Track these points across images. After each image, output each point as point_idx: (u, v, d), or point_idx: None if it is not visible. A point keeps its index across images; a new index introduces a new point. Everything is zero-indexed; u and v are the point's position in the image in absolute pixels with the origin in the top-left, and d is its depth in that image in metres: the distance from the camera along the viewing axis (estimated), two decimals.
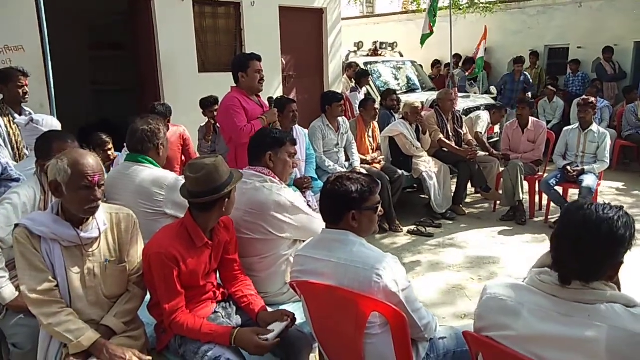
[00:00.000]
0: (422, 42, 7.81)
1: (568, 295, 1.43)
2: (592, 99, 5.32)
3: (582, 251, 1.41)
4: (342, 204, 1.91)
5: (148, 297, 2.14)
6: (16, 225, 1.91)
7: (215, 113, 5.34)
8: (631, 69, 9.39)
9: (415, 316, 1.86)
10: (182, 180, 2.60)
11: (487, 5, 10.85)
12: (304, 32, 8.35)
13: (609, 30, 9.51)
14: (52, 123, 3.65)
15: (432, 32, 7.64)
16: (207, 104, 5.47)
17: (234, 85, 3.76)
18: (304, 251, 2.03)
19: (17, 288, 2.20)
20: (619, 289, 1.53)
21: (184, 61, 6.72)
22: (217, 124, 5.37)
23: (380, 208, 2.00)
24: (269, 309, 2.21)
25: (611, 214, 1.41)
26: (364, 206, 1.92)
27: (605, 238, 1.39)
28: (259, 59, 3.74)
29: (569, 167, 5.07)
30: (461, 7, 10.88)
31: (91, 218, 1.95)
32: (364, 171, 4.94)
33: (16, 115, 3.75)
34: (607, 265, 1.42)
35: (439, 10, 7.57)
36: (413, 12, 12.37)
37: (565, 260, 1.45)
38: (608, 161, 5.16)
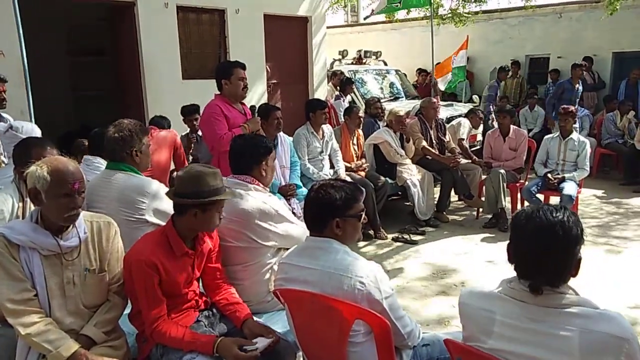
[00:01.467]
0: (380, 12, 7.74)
1: (537, 301, 1.45)
2: (572, 108, 5.42)
3: (543, 259, 1.43)
4: (326, 212, 1.91)
5: (129, 306, 2.11)
6: None
7: (196, 122, 5.32)
8: (610, 78, 9.60)
9: (398, 324, 1.85)
10: (164, 188, 2.58)
11: (468, 15, 10.98)
12: (289, 40, 8.38)
13: (588, 40, 9.72)
14: (31, 130, 3.60)
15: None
16: (188, 112, 5.43)
17: (218, 92, 3.75)
18: (288, 259, 2.02)
19: None
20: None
21: (167, 68, 6.69)
22: (198, 134, 5.35)
23: (363, 216, 2.00)
24: (254, 318, 2.19)
25: (560, 215, 1.44)
26: (347, 214, 1.91)
27: (562, 241, 1.43)
28: (242, 66, 3.73)
29: (549, 175, 5.15)
30: (443, 18, 11.01)
31: (71, 226, 1.92)
32: (348, 179, 4.97)
33: (4, 117, 3.68)
34: (569, 265, 1.45)
35: (420, 20, 7.63)
36: (397, 21, 12.49)
37: (529, 271, 1.47)
38: (588, 169, 5.25)
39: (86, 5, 7.30)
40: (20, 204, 2.36)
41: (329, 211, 1.90)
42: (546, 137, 5.55)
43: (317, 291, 1.83)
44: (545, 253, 1.43)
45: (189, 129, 5.53)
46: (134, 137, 2.61)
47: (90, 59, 8.32)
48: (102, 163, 3.19)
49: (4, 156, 3.61)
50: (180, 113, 5.45)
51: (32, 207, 2.16)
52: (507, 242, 1.56)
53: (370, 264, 1.87)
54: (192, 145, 5.48)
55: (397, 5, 7.48)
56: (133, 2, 6.30)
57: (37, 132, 3.50)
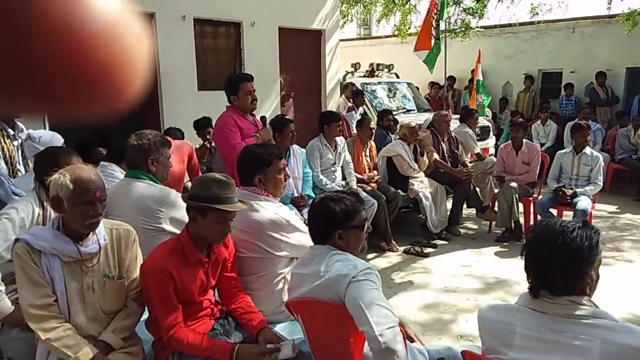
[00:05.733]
0: (431, 65, 7.68)
1: (557, 311, 1.47)
2: (586, 123, 5.40)
3: (543, 264, 1.49)
4: (327, 224, 1.95)
5: (146, 313, 2.14)
6: (17, 240, 1.91)
7: (209, 135, 5.40)
8: (623, 94, 9.55)
9: (367, 312, 1.65)
10: (180, 197, 2.62)
11: (479, 29, 11.03)
12: (303, 53, 8.47)
13: (601, 55, 9.69)
14: (50, 140, 3.63)
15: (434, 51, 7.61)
16: (200, 126, 5.51)
17: (229, 104, 3.83)
18: (295, 268, 2.08)
19: (13, 302, 2.20)
20: None
21: (183, 79, 6.78)
22: (213, 145, 5.42)
23: (368, 225, 2.03)
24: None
25: (568, 226, 1.48)
26: (349, 225, 1.95)
27: (561, 249, 1.46)
28: (249, 79, 3.77)
29: (563, 189, 5.12)
30: (455, 32, 11.05)
31: (91, 233, 1.96)
32: (360, 190, 4.99)
33: (10, 130, 3.70)
34: (572, 277, 1.47)
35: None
36: (409, 35, 12.54)
37: (531, 274, 1.53)
38: (601, 183, 5.21)
39: None
40: (41, 212, 2.41)
41: (331, 223, 1.94)
42: (559, 152, 5.54)
43: (313, 296, 1.86)
44: (543, 257, 1.49)
45: (202, 142, 5.59)
46: (152, 146, 2.68)
47: None
48: (116, 170, 3.26)
49: (19, 163, 3.65)
50: (193, 127, 5.53)
51: (53, 215, 2.22)
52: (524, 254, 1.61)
53: (357, 260, 1.86)
54: (206, 156, 5.55)
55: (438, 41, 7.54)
56: (151, 13, 6.42)
57: (57, 141, 3.53)
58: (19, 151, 3.70)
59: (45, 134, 3.81)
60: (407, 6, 12.57)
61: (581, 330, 1.41)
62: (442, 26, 7.66)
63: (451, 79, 10.54)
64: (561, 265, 1.46)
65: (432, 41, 7.46)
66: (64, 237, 1.91)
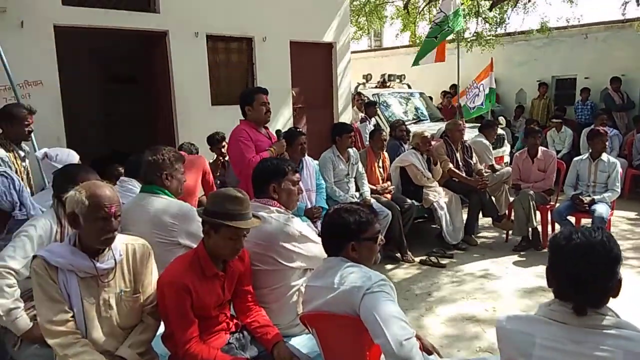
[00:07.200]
0: (416, 61, 7.76)
1: (579, 322, 1.44)
2: (604, 129, 5.35)
3: (586, 280, 1.43)
4: (341, 236, 1.94)
5: (162, 328, 2.15)
6: (34, 257, 1.94)
7: (223, 149, 5.47)
8: (639, 99, 9.42)
9: (384, 326, 1.65)
10: (195, 210, 2.64)
11: (494, 37, 11.00)
12: (314, 66, 8.50)
13: (615, 60, 9.60)
14: (67, 158, 3.67)
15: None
16: (215, 141, 5.59)
17: (243, 118, 3.86)
18: (309, 281, 2.07)
19: (32, 319, 2.22)
20: None
21: (197, 94, 6.85)
22: (226, 159, 5.48)
23: (381, 237, 2.01)
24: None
25: (599, 236, 1.45)
26: (362, 237, 1.94)
27: (602, 260, 1.43)
28: (264, 92, 3.84)
29: (580, 197, 5.05)
30: (468, 40, 11.03)
31: (107, 249, 1.98)
32: (374, 201, 4.97)
33: (21, 152, 3.73)
34: (611, 285, 1.45)
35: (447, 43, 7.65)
36: (419, 45, 12.54)
37: (571, 293, 1.46)
38: (619, 190, 5.14)
39: (120, 35, 7.58)
40: (58, 229, 2.44)
41: (344, 235, 1.94)
42: (575, 159, 5.47)
43: (327, 309, 1.85)
44: (587, 274, 1.43)
45: (216, 156, 5.66)
46: (166, 161, 2.72)
47: (123, 86, 8.63)
48: (135, 185, 3.29)
49: (26, 186, 3.66)
50: (207, 142, 5.59)
51: (70, 231, 2.24)
52: (543, 266, 1.55)
53: (371, 272, 1.85)
54: (219, 170, 5.59)
55: (435, 39, 7.56)
56: (165, 31, 6.53)
57: (73, 159, 3.57)
58: (26, 172, 3.76)
59: (62, 152, 3.86)
60: (423, 16, 12.64)
61: (603, 341, 1.38)
62: (453, 36, 7.68)
63: (453, 87, 10.50)
64: (605, 275, 1.43)
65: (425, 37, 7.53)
66: (81, 253, 1.93)
